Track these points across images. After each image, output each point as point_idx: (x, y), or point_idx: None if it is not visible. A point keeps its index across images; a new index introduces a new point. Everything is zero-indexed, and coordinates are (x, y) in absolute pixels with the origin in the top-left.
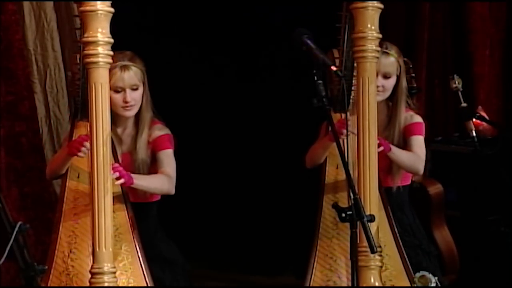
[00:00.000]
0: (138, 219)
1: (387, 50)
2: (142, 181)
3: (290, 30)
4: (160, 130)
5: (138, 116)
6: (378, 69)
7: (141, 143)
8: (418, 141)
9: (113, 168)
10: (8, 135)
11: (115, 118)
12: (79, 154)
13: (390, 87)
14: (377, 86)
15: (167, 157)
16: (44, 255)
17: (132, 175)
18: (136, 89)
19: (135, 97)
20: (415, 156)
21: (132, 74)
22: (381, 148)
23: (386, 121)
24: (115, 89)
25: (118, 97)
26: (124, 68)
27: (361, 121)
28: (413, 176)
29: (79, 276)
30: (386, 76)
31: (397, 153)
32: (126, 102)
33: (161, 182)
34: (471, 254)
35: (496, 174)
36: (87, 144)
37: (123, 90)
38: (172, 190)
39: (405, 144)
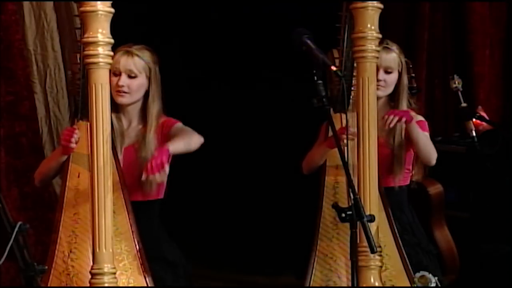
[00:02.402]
0: (139, 218)
1: (388, 46)
2: (177, 146)
3: (290, 30)
4: (170, 121)
5: (144, 111)
6: (380, 64)
7: (150, 138)
8: (426, 136)
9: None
10: (8, 135)
11: (121, 110)
12: (71, 144)
13: (392, 82)
14: (379, 81)
15: (180, 127)
16: (44, 255)
17: (166, 144)
18: (134, 77)
19: (130, 85)
20: (430, 141)
21: (131, 61)
22: (404, 120)
23: None
24: (113, 72)
25: (114, 80)
26: (126, 52)
27: (361, 121)
28: (412, 176)
29: (79, 276)
30: (387, 71)
31: (417, 128)
32: (118, 85)
33: (193, 139)
34: (471, 254)
35: (496, 174)
36: (77, 134)
37: (120, 74)
38: (201, 138)
39: (410, 144)
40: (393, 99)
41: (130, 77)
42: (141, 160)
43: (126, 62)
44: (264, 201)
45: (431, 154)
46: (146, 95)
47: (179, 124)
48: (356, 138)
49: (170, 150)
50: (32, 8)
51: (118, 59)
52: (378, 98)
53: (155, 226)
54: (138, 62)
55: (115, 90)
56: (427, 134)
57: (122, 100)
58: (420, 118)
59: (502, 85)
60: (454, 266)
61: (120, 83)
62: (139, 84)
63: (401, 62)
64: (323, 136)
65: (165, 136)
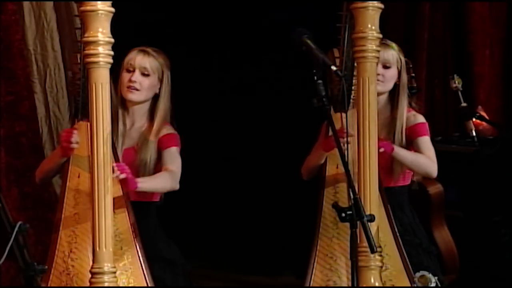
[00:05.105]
0: (138, 218)
1: (386, 43)
2: (146, 184)
3: (290, 30)
4: (169, 130)
5: (151, 113)
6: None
7: (152, 141)
8: (426, 143)
9: (119, 168)
10: (8, 135)
11: (126, 111)
12: (73, 145)
13: (390, 78)
14: (377, 75)
15: (172, 155)
16: (44, 255)
17: (137, 179)
18: (147, 75)
19: (142, 83)
20: (423, 157)
21: (146, 60)
22: (382, 150)
23: (388, 120)
24: (127, 68)
25: (127, 76)
26: (142, 51)
27: (361, 121)
28: (413, 176)
29: (79, 276)
30: (385, 66)
31: (402, 153)
32: (130, 81)
33: (164, 181)
34: (471, 254)
35: (496, 174)
36: (76, 135)
37: (134, 70)
38: (176, 186)
39: (410, 146)
40: (393, 96)
41: (143, 74)
42: (140, 162)
43: (142, 59)
44: (264, 201)
45: (427, 169)
46: (155, 98)
47: (174, 150)
48: (355, 139)
49: (138, 186)
50: (32, 8)
51: (133, 56)
52: (378, 94)
53: (152, 226)
54: (153, 62)
55: (126, 86)
56: (425, 138)
57: (132, 96)
58: (420, 120)
59: (502, 85)
60: (454, 266)
61: (133, 78)
62: (151, 83)
63: (400, 60)
64: (323, 136)
65: (160, 153)
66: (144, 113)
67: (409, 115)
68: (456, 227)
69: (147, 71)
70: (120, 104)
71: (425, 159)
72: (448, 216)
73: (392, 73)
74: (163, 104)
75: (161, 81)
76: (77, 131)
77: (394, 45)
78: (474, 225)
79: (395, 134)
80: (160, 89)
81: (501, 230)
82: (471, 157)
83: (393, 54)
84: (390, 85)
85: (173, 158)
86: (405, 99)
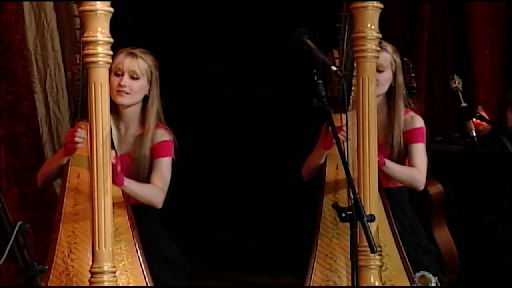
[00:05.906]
0: (139, 219)
1: (380, 45)
2: (132, 186)
3: (290, 30)
4: (163, 136)
5: (143, 115)
6: None
7: (146, 142)
8: (419, 151)
9: (116, 160)
10: (8, 135)
11: (119, 117)
12: (78, 145)
13: (384, 81)
14: None
15: (164, 167)
16: (44, 255)
17: (125, 178)
18: (136, 78)
19: (132, 86)
20: (412, 171)
21: (135, 63)
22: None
23: (386, 122)
24: (115, 72)
25: (116, 80)
26: (130, 54)
27: (361, 121)
28: None
29: (79, 276)
30: (378, 70)
31: (392, 168)
32: (120, 85)
33: (152, 193)
34: (470, 254)
35: (495, 174)
36: (79, 132)
37: (122, 74)
38: (160, 204)
39: (405, 149)
40: (390, 98)
41: (132, 78)
42: (135, 168)
43: (130, 63)
44: (264, 201)
45: (413, 184)
46: (145, 100)
47: (165, 161)
48: (355, 140)
49: (124, 183)
50: (32, 8)
51: (121, 60)
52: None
53: (154, 226)
54: (142, 64)
55: (116, 91)
56: (419, 146)
57: (122, 100)
58: (419, 124)
59: (502, 85)
60: (454, 266)
61: (122, 83)
62: (141, 86)
63: (395, 62)
64: (323, 135)
65: (152, 159)
66: (136, 116)
67: (407, 117)
68: (456, 227)
69: (136, 74)
70: (112, 108)
71: (413, 173)
72: (448, 216)
73: (385, 76)
74: (154, 105)
75: (150, 82)
76: (80, 129)
77: (388, 47)
78: (468, 225)
79: (394, 137)
80: (150, 90)
81: (498, 230)
82: (461, 156)
83: (385, 57)
84: (384, 88)
85: (165, 172)
86: (401, 101)
